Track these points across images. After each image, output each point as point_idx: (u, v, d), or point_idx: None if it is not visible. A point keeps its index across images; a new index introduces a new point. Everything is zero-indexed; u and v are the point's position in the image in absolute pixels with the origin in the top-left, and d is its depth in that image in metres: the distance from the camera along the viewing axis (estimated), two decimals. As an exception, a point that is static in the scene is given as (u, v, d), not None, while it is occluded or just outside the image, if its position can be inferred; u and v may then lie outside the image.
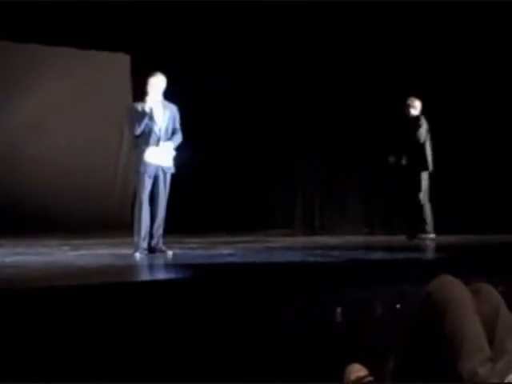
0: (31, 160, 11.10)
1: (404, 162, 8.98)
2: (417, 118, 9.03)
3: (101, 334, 3.95)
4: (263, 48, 11.02)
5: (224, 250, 7.57)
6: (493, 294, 2.24)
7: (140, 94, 7.31)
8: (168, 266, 6.41)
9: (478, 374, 1.92)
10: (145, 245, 6.99)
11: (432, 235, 8.84)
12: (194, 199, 10.95)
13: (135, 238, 6.99)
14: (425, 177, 8.95)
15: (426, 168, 8.91)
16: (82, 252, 7.37)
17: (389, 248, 7.52)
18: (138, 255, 6.84)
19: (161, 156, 7.01)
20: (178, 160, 7.23)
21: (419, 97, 9.07)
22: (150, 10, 10.63)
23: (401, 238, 8.90)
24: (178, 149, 7.23)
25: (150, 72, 7.17)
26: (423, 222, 8.90)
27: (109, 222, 10.68)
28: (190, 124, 7.37)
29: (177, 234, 9.30)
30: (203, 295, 4.47)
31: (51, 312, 3.96)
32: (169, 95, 7.20)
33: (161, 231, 7.15)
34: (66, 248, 7.78)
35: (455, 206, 9.87)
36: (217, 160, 10.90)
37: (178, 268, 6.24)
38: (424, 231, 8.87)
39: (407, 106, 9.11)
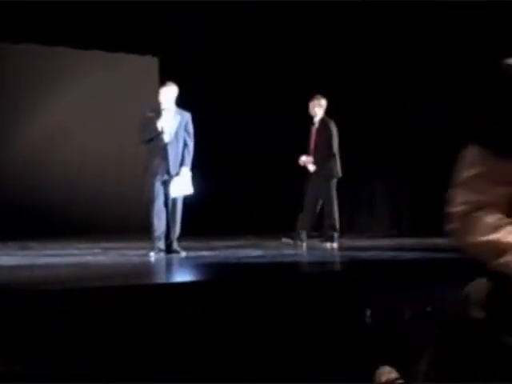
0: (62, 164, 11.17)
1: (312, 168, 8.24)
2: (325, 122, 8.24)
3: (130, 333, 3.97)
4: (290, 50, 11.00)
5: (253, 252, 7.57)
6: None
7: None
8: (195, 267, 6.43)
9: None
10: (161, 245, 7.15)
11: (335, 244, 8.18)
12: (223, 202, 10.96)
13: (152, 239, 7.19)
14: (334, 183, 8.27)
15: (336, 175, 8.25)
16: (112, 255, 7.42)
17: (417, 249, 7.46)
18: (152, 255, 7.05)
19: (179, 188, 7.14)
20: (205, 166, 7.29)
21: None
22: (179, 12, 10.67)
23: (429, 240, 8.81)
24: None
25: (177, 75, 7.23)
26: (332, 229, 8.26)
27: (139, 225, 10.70)
28: (214, 126, 7.38)
29: (205, 236, 9.32)
30: (231, 295, 4.47)
31: (80, 313, 3.99)
32: (192, 100, 7.25)
33: (176, 233, 7.25)
34: (97, 251, 7.83)
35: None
36: (244, 162, 10.90)
37: (204, 269, 6.25)
38: (332, 239, 8.20)
39: (313, 106, 8.23)
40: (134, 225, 10.73)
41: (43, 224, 10.08)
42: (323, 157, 8.19)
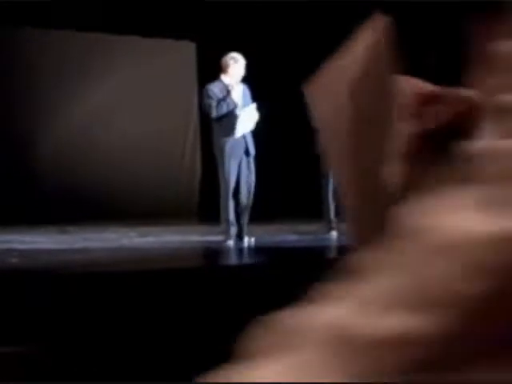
0: (99, 148, 11.23)
1: None
2: None
3: (166, 316, 3.98)
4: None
5: (290, 236, 7.54)
6: None
7: (205, 82, 7.28)
8: (232, 252, 6.43)
9: None
10: (233, 230, 6.71)
11: None
12: (266, 186, 10.89)
13: (224, 225, 6.78)
14: None
15: None
16: (148, 239, 7.44)
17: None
18: (229, 243, 6.62)
19: (246, 125, 6.68)
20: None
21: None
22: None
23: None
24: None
25: (217, 58, 7.09)
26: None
27: (176, 210, 10.74)
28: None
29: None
30: (266, 279, 4.46)
31: (116, 295, 4.01)
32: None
33: (245, 218, 6.84)
34: (133, 234, 7.86)
35: None
36: (290, 148, 10.81)
37: (238, 254, 6.25)
38: None
39: None
40: (171, 209, 10.77)
41: (81, 208, 10.15)
42: None
